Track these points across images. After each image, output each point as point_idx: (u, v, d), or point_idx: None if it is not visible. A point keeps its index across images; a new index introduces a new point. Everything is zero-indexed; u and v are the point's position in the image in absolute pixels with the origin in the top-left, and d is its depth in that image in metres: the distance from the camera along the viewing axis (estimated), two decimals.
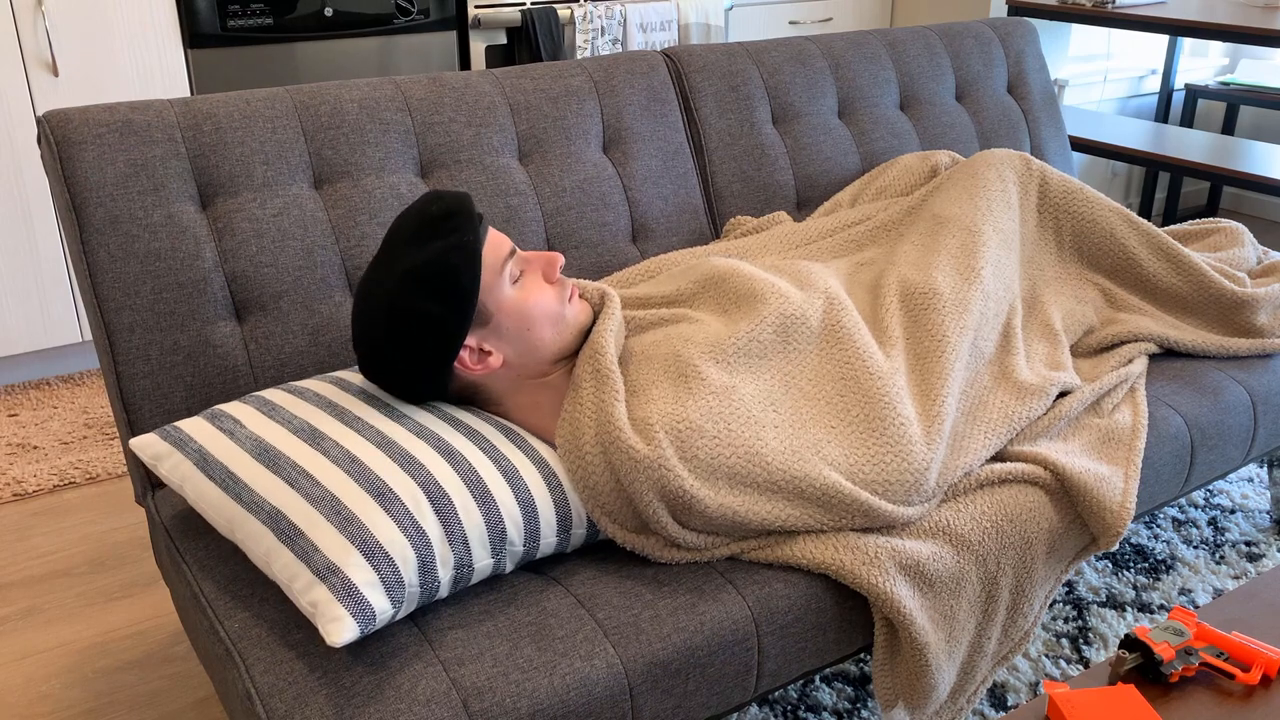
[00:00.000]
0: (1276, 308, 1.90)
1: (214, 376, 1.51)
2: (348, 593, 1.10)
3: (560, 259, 1.42)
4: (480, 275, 1.31)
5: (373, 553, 1.13)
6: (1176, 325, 1.87)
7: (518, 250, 1.40)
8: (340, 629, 1.08)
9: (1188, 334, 1.85)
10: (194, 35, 2.66)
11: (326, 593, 1.11)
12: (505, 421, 1.38)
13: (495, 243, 1.37)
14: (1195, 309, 1.88)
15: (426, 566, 1.17)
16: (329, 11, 2.79)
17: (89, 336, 2.77)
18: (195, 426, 1.31)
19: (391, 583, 1.13)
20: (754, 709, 1.71)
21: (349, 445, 1.24)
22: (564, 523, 1.30)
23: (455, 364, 1.34)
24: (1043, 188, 1.94)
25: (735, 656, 1.28)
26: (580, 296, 1.48)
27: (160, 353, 1.48)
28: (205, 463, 1.26)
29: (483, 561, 1.23)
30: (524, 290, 1.38)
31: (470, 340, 1.33)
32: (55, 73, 2.53)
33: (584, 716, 1.17)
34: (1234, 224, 2.15)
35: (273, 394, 1.36)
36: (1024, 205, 1.90)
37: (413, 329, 1.29)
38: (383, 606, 1.12)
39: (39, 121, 1.49)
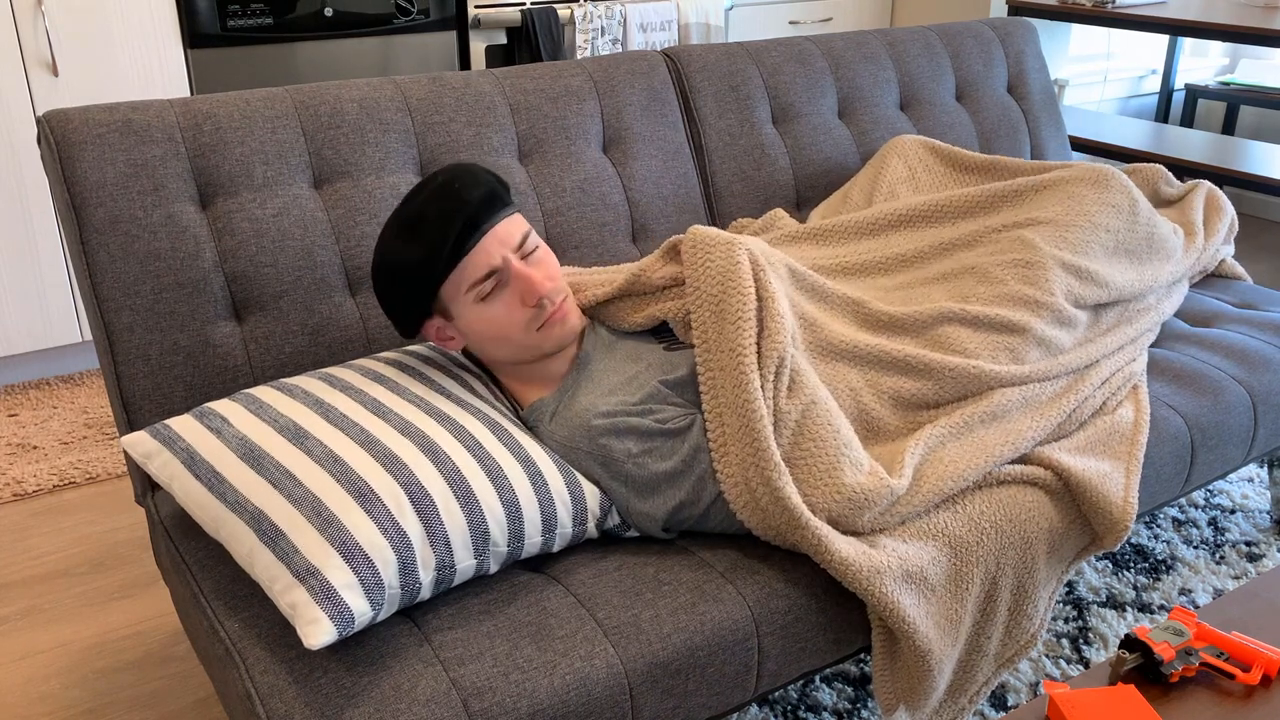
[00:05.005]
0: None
1: (214, 376, 1.51)
2: (326, 595, 1.10)
3: (539, 291, 1.39)
4: (435, 290, 1.38)
5: (352, 554, 1.13)
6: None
7: (505, 265, 1.38)
8: (318, 631, 1.08)
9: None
10: (194, 35, 2.66)
11: (305, 595, 1.10)
12: (493, 414, 1.38)
13: (477, 261, 1.36)
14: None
15: (407, 568, 1.16)
16: (329, 11, 2.79)
17: (89, 336, 2.77)
18: (184, 425, 1.31)
19: (371, 585, 1.13)
20: (754, 709, 1.71)
21: (333, 445, 1.24)
22: (548, 523, 1.30)
23: (422, 333, 1.46)
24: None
25: (735, 656, 1.28)
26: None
27: (160, 353, 1.48)
28: (193, 461, 1.26)
29: (465, 563, 1.23)
30: (489, 309, 1.39)
31: (434, 322, 1.44)
32: (55, 73, 2.53)
33: (584, 716, 1.17)
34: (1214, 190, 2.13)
35: (262, 391, 1.36)
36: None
37: (385, 293, 1.41)
38: (361, 609, 1.12)
39: (39, 121, 1.49)
